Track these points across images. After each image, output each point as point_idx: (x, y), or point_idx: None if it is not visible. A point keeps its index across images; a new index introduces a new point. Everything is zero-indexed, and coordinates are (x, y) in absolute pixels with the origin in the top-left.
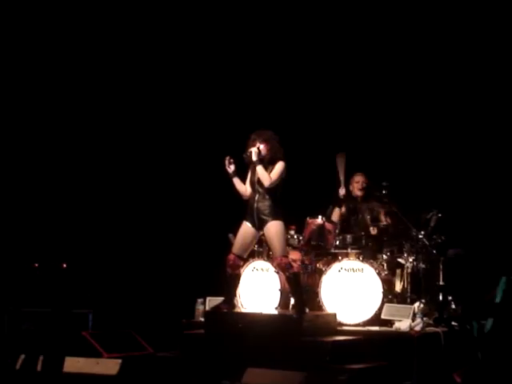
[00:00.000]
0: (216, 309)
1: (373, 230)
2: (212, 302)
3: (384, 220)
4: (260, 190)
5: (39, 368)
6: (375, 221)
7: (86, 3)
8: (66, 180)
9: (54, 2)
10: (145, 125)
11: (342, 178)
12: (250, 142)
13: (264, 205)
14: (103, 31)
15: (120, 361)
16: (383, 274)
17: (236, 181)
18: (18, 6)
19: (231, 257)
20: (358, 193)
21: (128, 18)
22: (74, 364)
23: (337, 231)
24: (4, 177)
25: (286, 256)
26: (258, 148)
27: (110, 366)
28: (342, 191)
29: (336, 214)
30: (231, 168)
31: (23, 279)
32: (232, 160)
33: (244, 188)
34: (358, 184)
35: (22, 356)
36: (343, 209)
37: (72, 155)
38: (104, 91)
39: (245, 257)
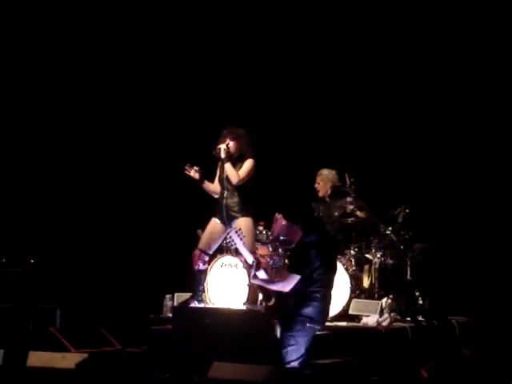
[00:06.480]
0: (184, 304)
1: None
2: (180, 297)
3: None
4: (229, 186)
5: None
6: (349, 216)
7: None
8: (31, 176)
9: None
10: (109, 121)
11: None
12: (221, 138)
13: (233, 201)
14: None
15: (86, 355)
16: (351, 270)
17: (205, 186)
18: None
19: (197, 252)
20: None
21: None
22: (39, 358)
23: None
24: None
25: (255, 252)
26: (227, 145)
27: (76, 360)
28: None
29: None
30: (197, 176)
31: None
32: (197, 168)
33: (213, 187)
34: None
35: None
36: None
37: (37, 151)
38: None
39: (210, 253)
